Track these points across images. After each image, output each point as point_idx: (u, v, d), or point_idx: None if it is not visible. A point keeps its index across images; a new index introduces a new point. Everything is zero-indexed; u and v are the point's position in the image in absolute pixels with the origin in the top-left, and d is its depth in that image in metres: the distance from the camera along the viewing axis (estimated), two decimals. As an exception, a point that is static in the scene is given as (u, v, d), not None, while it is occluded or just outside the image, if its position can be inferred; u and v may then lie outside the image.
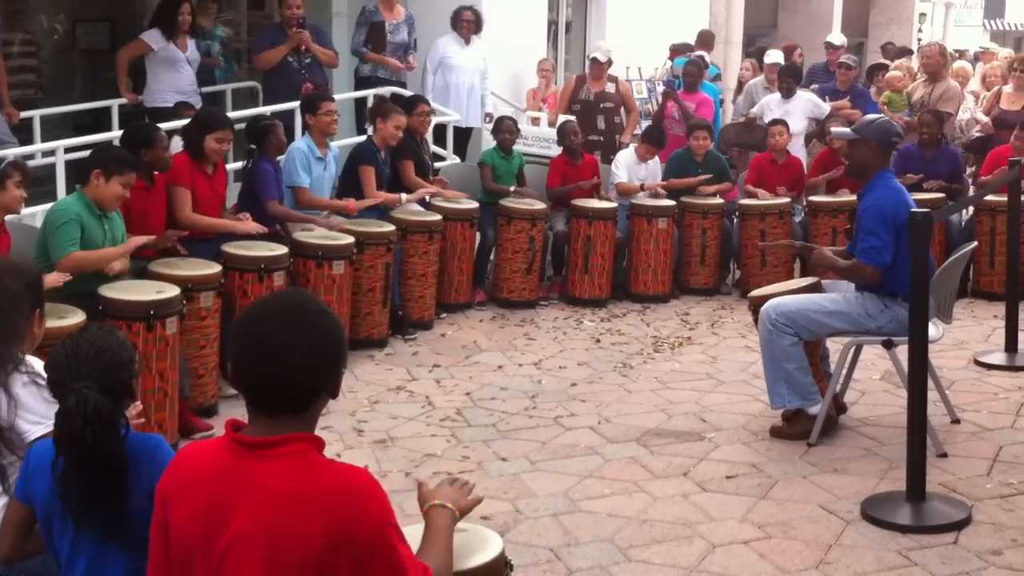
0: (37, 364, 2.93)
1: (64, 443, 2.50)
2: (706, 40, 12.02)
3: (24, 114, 7.52)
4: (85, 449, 2.48)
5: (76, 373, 2.55)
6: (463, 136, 9.53)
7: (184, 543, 2.17)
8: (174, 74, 7.79)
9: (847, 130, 5.50)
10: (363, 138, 7.75)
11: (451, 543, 2.43)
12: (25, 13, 8.62)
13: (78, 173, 5.34)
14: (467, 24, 9.36)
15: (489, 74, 9.64)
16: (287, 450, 2.13)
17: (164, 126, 6.31)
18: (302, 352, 2.14)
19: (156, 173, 5.87)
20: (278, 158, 6.76)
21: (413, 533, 2.44)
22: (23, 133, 7.43)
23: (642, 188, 8.57)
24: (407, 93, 8.80)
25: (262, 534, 2.08)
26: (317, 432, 2.23)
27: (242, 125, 6.94)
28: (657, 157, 8.90)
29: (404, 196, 7.38)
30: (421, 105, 7.94)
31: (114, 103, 8.16)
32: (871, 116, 5.84)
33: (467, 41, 9.42)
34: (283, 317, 2.17)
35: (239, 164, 7.02)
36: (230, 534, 2.10)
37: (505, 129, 8.42)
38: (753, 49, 13.19)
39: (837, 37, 11.72)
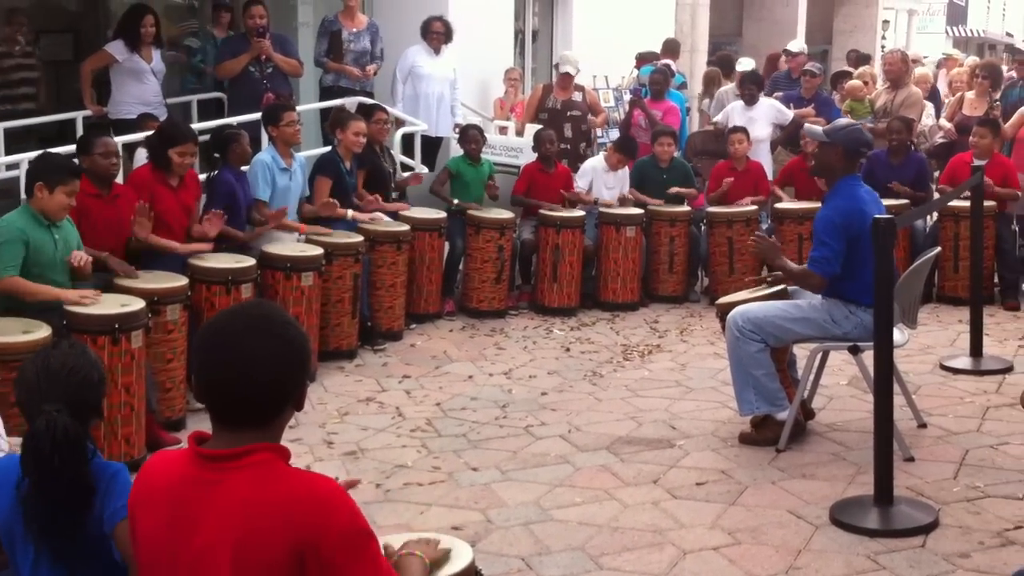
0: None
1: (31, 465, 2.47)
2: (672, 49, 12.10)
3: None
4: (52, 472, 2.46)
5: (47, 394, 2.53)
6: (433, 145, 9.51)
7: (151, 554, 2.16)
8: (139, 85, 7.74)
9: (819, 130, 5.48)
10: (328, 148, 7.73)
11: None
12: (24, 26, 8.58)
13: (25, 186, 5.28)
14: (437, 35, 9.36)
15: (459, 84, 9.65)
16: (251, 460, 2.12)
17: (127, 138, 6.25)
18: (267, 362, 2.13)
19: (117, 182, 5.80)
20: (243, 168, 6.73)
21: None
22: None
23: (595, 203, 8.57)
24: (370, 102, 8.80)
25: (228, 544, 2.07)
26: (285, 444, 2.22)
27: (207, 136, 6.91)
28: (627, 167, 8.93)
29: (350, 213, 7.32)
30: (378, 113, 7.93)
31: (78, 115, 8.08)
32: (844, 121, 5.86)
33: (437, 51, 9.42)
34: (248, 327, 2.16)
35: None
36: (197, 545, 2.09)
37: (471, 139, 8.44)
38: (714, 58, 13.22)
39: (796, 44, 11.81)
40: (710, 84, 11.52)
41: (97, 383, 2.61)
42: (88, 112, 7.98)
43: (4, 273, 4.96)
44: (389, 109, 8.49)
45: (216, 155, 6.63)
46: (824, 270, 5.10)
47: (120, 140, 6.28)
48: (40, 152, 5.80)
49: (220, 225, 6.16)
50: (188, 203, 6.23)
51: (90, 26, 10.08)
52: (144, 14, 7.79)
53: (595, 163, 8.88)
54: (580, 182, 8.71)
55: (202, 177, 6.81)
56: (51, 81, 9.15)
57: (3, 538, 2.62)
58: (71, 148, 6.09)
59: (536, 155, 8.69)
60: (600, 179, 8.72)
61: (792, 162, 9.11)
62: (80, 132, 7.91)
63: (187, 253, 5.99)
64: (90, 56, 8.07)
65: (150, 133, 6.37)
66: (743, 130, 8.98)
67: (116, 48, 7.71)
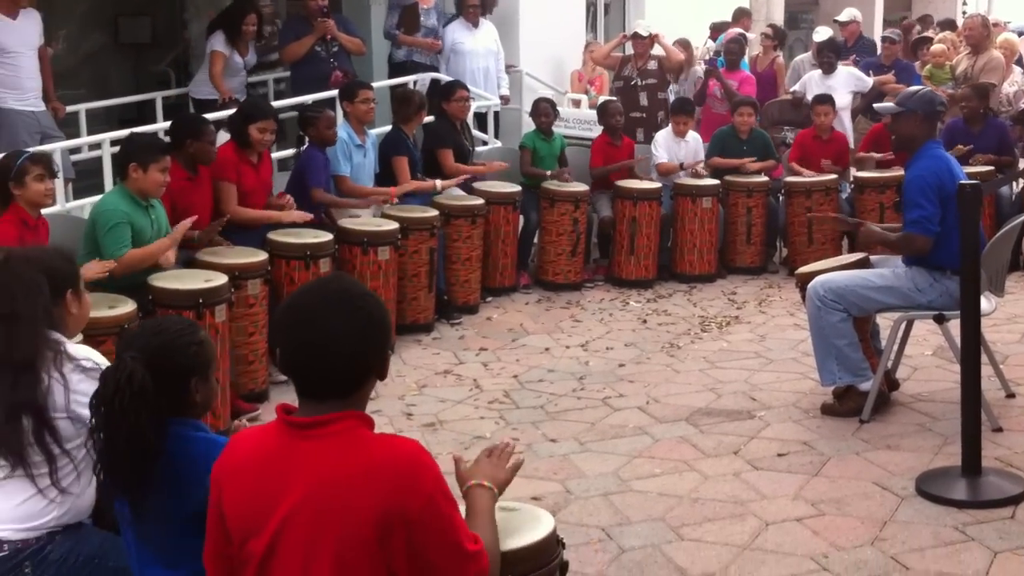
0: (80, 350, 2.92)
1: (95, 404, 2.49)
2: (742, 17, 11.81)
3: (70, 108, 7.59)
4: (111, 416, 2.46)
5: (129, 345, 2.58)
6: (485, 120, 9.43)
7: (239, 525, 2.19)
8: (229, 79, 7.78)
9: (891, 104, 5.41)
10: (389, 128, 7.69)
11: (494, 523, 2.40)
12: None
13: (116, 169, 5.36)
14: (472, 8, 9.23)
15: (502, 54, 9.49)
16: (336, 428, 2.15)
17: (210, 116, 6.33)
18: (346, 337, 2.16)
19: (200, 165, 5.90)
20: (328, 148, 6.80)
21: None
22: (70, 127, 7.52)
23: (681, 167, 8.50)
24: (445, 77, 8.78)
25: (315, 513, 2.10)
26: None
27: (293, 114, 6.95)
28: (699, 135, 8.82)
29: (439, 183, 7.36)
30: (459, 91, 7.93)
31: (158, 95, 8.23)
32: (913, 88, 5.79)
33: (475, 24, 9.28)
34: (327, 302, 2.19)
35: (287, 152, 7.10)
36: (282, 514, 2.12)
37: (541, 112, 8.39)
38: (768, 27, 12.55)
39: (846, 13, 11.46)
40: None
41: (181, 347, 2.59)
42: (167, 93, 8.10)
43: (120, 252, 5.07)
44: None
45: (301, 134, 6.74)
46: (926, 229, 4.98)
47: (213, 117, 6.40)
48: (127, 132, 5.89)
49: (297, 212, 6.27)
50: (266, 179, 6.34)
51: (167, 9, 10.23)
52: (247, 12, 7.83)
53: (665, 134, 8.78)
54: (659, 153, 8.62)
55: (277, 155, 6.89)
56: (130, 63, 9.30)
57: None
58: (156, 127, 6.19)
59: (603, 128, 8.61)
60: (672, 150, 8.61)
61: (874, 128, 8.90)
62: (160, 113, 8.07)
63: (289, 221, 6.14)
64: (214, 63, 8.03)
65: (232, 112, 6.45)
66: (830, 100, 8.79)
67: (217, 42, 7.75)
